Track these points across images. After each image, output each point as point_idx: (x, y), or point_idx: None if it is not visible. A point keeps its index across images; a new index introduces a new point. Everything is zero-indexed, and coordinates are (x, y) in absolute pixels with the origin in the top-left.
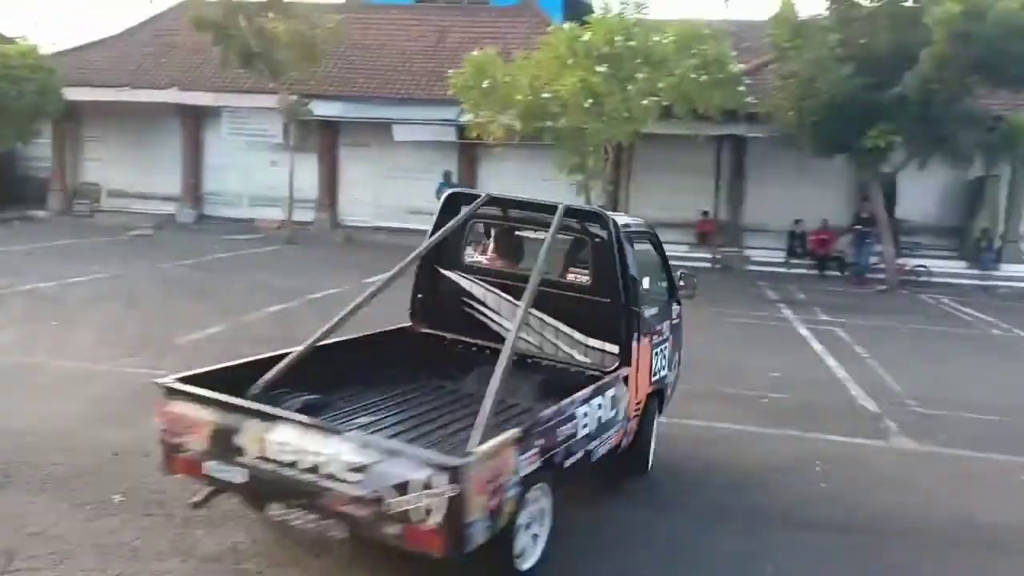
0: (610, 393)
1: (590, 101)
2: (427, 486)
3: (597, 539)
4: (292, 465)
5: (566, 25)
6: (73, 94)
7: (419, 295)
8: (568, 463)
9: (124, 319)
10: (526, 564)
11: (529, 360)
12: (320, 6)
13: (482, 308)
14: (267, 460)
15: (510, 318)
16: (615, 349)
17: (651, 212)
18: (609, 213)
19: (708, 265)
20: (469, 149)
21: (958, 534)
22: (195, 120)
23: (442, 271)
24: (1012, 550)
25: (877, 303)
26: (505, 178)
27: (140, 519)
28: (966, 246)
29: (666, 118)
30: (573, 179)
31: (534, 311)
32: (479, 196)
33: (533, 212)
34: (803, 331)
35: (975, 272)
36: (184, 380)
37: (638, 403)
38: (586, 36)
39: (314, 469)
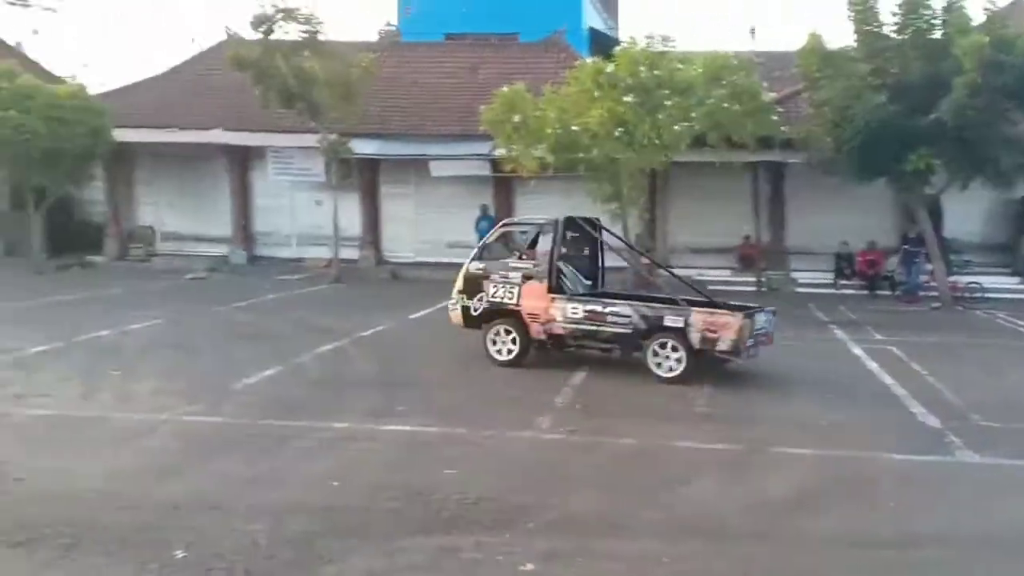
0: None
1: (620, 130)
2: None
3: None
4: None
5: (591, 59)
6: (122, 135)
7: None
8: None
9: (182, 365)
10: None
11: None
12: (354, 45)
13: None
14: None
15: None
16: None
17: (690, 238)
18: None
19: (754, 289)
20: (505, 182)
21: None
22: (242, 160)
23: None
24: None
25: (931, 321)
26: (542, 210)
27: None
28: (1018, 262)
29: (699, 146)
30: (608, 208)
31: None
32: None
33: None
34: (857, 351)
35: None
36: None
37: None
38: (610, 68)
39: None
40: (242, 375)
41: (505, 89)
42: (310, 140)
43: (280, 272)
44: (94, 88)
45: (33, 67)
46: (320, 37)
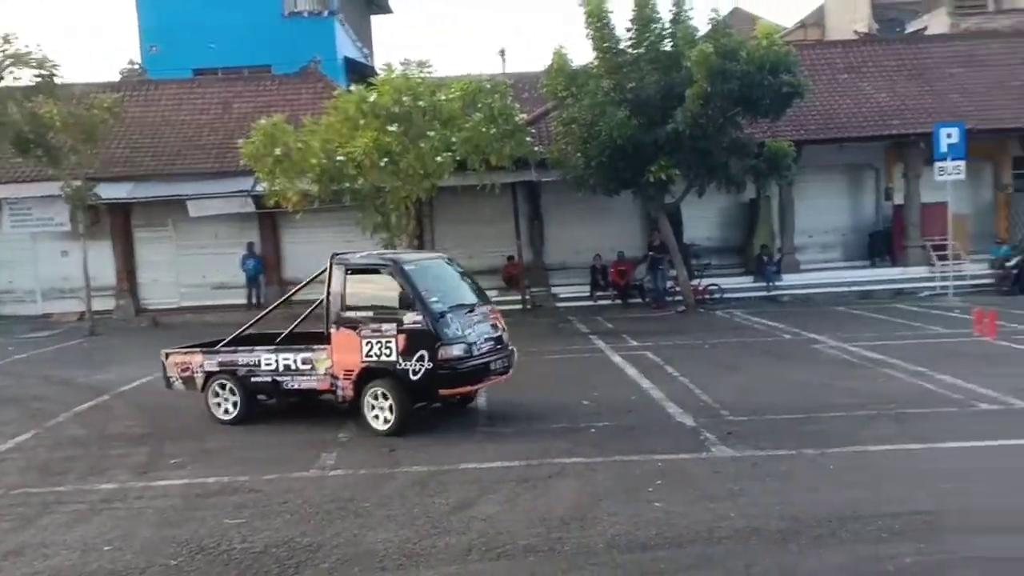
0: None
1: (385, 160)
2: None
3: None
4: None
5: (352, 88)
6: None
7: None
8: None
9: None
10: None
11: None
12: (95, 86)
13: None
14: None
15: None
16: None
17: (460, 262)
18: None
19: (519, 307)
20: (270, 218)
21: (785, 531)
22: None
23: None
24: (837, 540)
25: (679, 324)
26: (310, 243)
27: None
28: (749, 262)
29: (461, 171)
30: (378, 238)
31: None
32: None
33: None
34: (616, 359)
35: (760, 285)
36: None
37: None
38: (373, 97)
39: None
40: None
41: (263, 121)
42: (51, 188)
43: (25, 330)
44: None
45: None
46: (56, 80)
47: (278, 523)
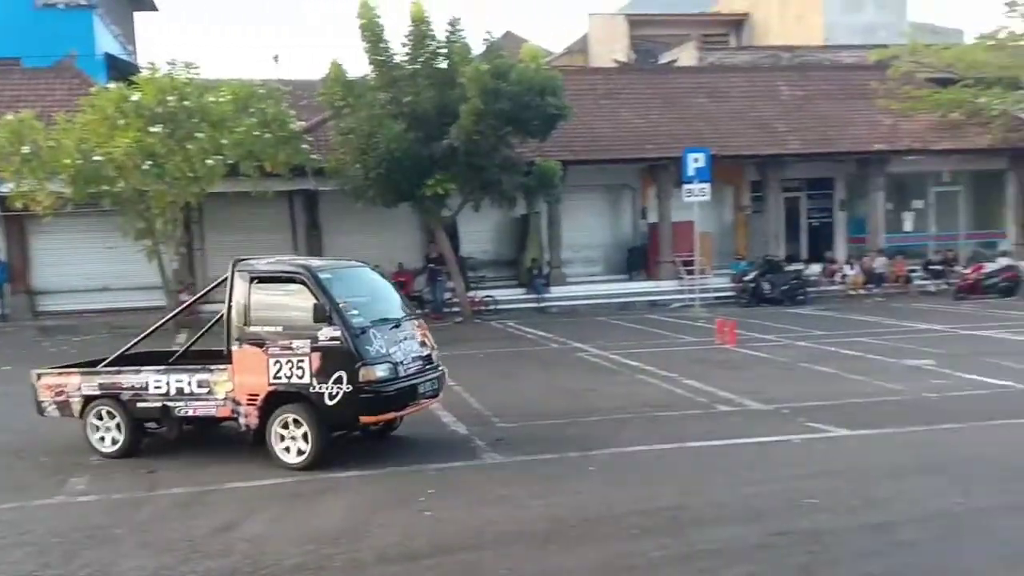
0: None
1: (149, 163)
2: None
3: None
4: None
5: (112, 85)
6: None
7: None
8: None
9: None
10: None
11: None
12: None
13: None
14: None
15: None
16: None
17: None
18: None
19: None
20: (17, 222)
21: (548, 532)
22: None
23: None
24: (594, 538)
25: (456, 334)
26: (64, 250)
27: None
28: (521, 275)
29: (234, 176)
30: (141, 244)
31: None
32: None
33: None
34: None
35: (531, 297)
36: None
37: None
38: (136, 96)
39: None
40: None
41: (10, 117)
42: None
43: None
44: None
45: None
46: None
47: (17, 556)
